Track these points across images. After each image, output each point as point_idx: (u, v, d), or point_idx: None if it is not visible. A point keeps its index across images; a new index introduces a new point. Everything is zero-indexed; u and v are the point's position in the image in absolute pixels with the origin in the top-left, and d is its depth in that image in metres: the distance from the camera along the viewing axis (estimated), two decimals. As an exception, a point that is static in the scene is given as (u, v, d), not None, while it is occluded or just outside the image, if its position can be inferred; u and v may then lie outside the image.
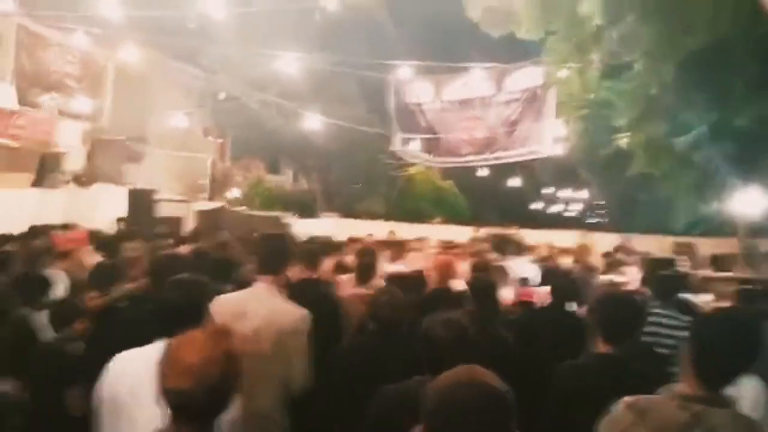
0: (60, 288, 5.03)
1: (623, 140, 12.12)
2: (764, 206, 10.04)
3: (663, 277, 5.08)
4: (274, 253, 3.56)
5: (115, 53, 13.39)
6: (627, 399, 2.16)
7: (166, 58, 15.50)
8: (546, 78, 13.79)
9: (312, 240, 7.60)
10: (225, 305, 3.50)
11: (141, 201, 11.33)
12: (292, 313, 3.47)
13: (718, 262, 10.82)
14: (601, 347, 2.94)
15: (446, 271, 5.81)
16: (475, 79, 15.06)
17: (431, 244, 11.51)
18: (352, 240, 12.25)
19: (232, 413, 2.44)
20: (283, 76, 13.87)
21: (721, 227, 13.51)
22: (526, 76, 14.52)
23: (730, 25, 8.99)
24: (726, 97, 9.46)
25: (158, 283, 3.70)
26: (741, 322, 2.19)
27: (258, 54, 13.48)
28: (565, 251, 12.75)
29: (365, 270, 5.48)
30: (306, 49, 13.64)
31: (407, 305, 3.47)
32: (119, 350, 2.64)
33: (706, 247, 13.48)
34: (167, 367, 1.80)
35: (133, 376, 2.50)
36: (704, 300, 7.52)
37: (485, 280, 4.58)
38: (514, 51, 14.63)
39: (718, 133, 9.53)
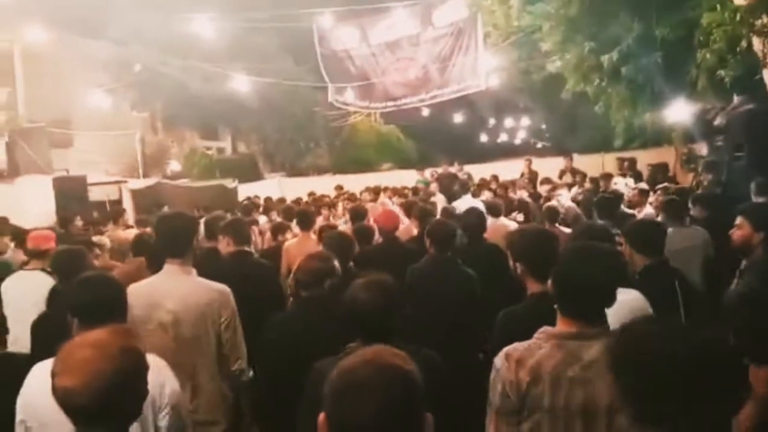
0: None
1: (553, 63, 12.04)
2: (694, 112, 10.18)
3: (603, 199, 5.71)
4: (177, 235, 3.38)
5: (20, 37, 12.61)
6: (506, 349, 2.20)
7: (75, 36, 14.65)
8: (470, 9, 13.53)
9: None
10: (138, 295, 3.36)
11: (70, 188, 10.85)
12: (210, 291, 3.36)
13: (655, 172, 11.07)
14: (533, 287, 2.89)
15: (390, 223, 5.76)
16: (400, 19, 14.69)
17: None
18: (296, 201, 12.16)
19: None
20: (202, 39, 13.29)
21: (657, 138, 13.75)
22: (451, 11, 14.24)
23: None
24: (645, 7, 9.41)
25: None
26: (593, 257, 2.19)
27: (170, 19, 12.82)
28: (510, 183, 12.86)
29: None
30: (219, 8, 13.01)
31: (328, 269, 3.34)
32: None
33: (647, 158, 13.78)
34: (58, 365, 1.66)
35: (42, 394, 2.32)
36: (645, 213, 7.68)
37: (446, 227, 4.55)
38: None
39: (643, 44, 9.51)
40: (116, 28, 15.69)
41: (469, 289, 4.10)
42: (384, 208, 7.15)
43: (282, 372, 3.12)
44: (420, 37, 14.80)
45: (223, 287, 3.37)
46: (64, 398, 1.62)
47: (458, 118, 26.81)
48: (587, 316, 2.12)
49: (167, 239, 3.39)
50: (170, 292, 3.27)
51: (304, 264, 3.42)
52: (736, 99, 7.81)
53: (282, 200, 11.92)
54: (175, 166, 20.26)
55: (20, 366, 3.21)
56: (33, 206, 10.52)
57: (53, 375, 1.65)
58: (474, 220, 5.01)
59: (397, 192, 12.40)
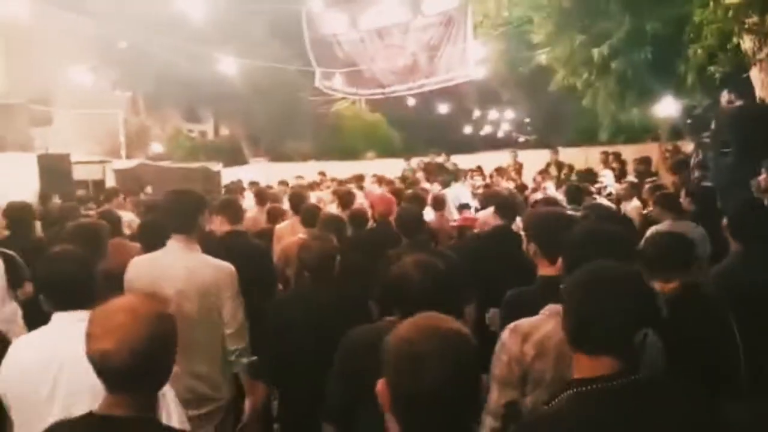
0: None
1: (542, 56, 12.10)
2: (682, 109, 10.31)
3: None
4: (185, 211, 3.37)
5: (0, 11, 12.32)
6: (511, 325, 2.29)
7: (59, 11, 14.35)
8: (461, -1, 13.49)
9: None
10: (141, 269, 3.35)
11: (54, 166, 10.70)
12: (214, 268, 3.34)
13: (641, 167, 11.20)
14: (545, 269, 2.79)
15: (387, 209, 5.76)
16: (391, 6, 14.60)
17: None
18: (282, 183, 12.09)
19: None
20: (189, 19, 13.07)
21: (643, 133, 13.91)
22: (442, -1, 14.18)
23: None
24: (637, 2, 9.49)
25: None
26: (601, 239, 2.23)
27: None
28: (497, 172, 12.94)
29: (308, 215, 5.37)
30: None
31: (334, 249, 3.35)
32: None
33: (631, 153, 13.92)
34: (92, 327, 1.66)
35: (21, 371, 2.31)
36: (633, 206, 7.78)
37: (411, 211, 4.54)
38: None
39: (633, 39, 9.60)
40: (102, 4, 15.39)
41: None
42: (382, 193, 7.14)
43: (294, 351, 3.13)
44: (409, 24, 14.71)
45: (227, 265, 3.37)
46: (100, 361, 1.62)
47: (443, 108, 26.86)
48: None
49: (174, 215, 3.38)
50: (175, 267, 3.25)
51: (309, 245, 3.42)
52: (723, 95, 7.91)
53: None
54: (157, 147, 20.03)
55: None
56: (14, 183, 10.33)
57: (88, 338, 1.65)
58: (508, 204, 4.90)
59: (381, 179, 12.32)
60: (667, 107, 10.29)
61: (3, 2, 11.55)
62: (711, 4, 7.95)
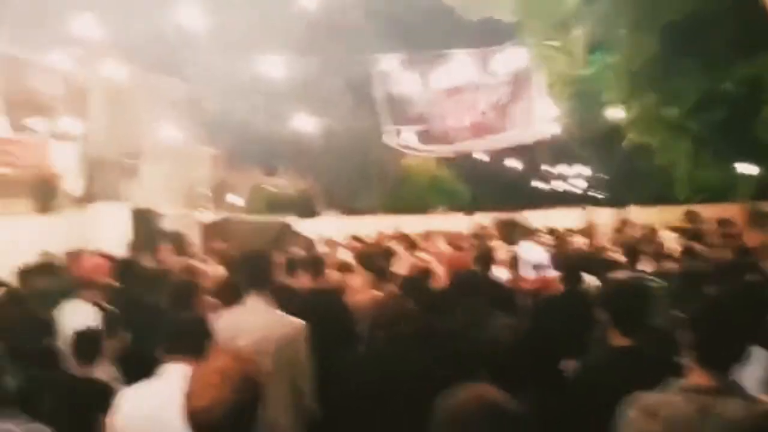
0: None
1: (615, 113, 12.08)
2: (760, 169, 10.03)
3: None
4: (258, 271, 3.63)
5: (98, 71, 13.45)
6: (638, 399, 2.19)
7: (149, 72, 15.48)
8: (530, 58, 13.70)
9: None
10: (221, 324, 3.55)
11: (145, 218, 11.30)
12: (288, 325, 3.55)
13: (723, 227, 10.81)
14: (618, 339, 2.78)
15: (460, 267, 5.82)
16: (461, 65, 14.98)
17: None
18: (355, 239, 12.30)
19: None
20: (269, 79, 13.86)
21: (722, 193, 13.47)
22: (511, 58, 14.43)
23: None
24: (711, 62, 9.43)
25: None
26: (732, 305, 2.22)
27: (241, 60, 13.47)
28: (570, 231, 12.74)
29: (379, 273, 5.50)
30: (287, 51, 13.60)
31: (410, 311, 3.45)
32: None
33: (711, 213, 13.46)
34: (189, 386, 1.87)
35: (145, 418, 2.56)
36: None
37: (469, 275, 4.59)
38: (494, 34, 14.54)
39: (708, 99, 9.51)
40: (190, 66, 16.49)
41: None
42: (458, 253, 7.21)
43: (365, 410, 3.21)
44: (480, 83, 15.02)
45: (299, 322, 3.55)
46: (196, 418, 1.82)
47: (512, 162, 26.83)
48: (722, 367, 2.10)
49: (249, 274, 3.63)
50: (252, 323, 3.47)
51: (383, 304, 3.55)
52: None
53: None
54: (237, 200, 20.87)
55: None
56: (107, 233, 10.89)
57: (186, 397, 1.86)
58: (573, 268, 4.89)
59: (452, 238, 12.16)
60: (748, 166, 10.02)
61: (103, 66, 12.66)
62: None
